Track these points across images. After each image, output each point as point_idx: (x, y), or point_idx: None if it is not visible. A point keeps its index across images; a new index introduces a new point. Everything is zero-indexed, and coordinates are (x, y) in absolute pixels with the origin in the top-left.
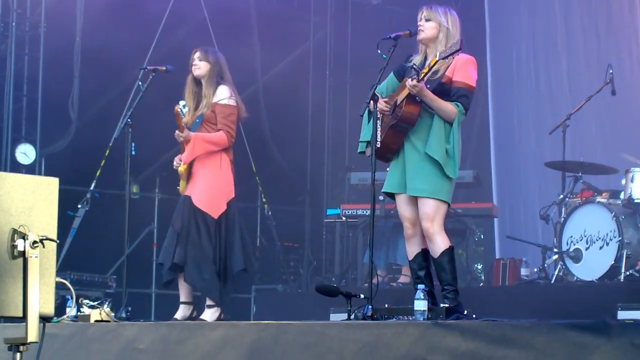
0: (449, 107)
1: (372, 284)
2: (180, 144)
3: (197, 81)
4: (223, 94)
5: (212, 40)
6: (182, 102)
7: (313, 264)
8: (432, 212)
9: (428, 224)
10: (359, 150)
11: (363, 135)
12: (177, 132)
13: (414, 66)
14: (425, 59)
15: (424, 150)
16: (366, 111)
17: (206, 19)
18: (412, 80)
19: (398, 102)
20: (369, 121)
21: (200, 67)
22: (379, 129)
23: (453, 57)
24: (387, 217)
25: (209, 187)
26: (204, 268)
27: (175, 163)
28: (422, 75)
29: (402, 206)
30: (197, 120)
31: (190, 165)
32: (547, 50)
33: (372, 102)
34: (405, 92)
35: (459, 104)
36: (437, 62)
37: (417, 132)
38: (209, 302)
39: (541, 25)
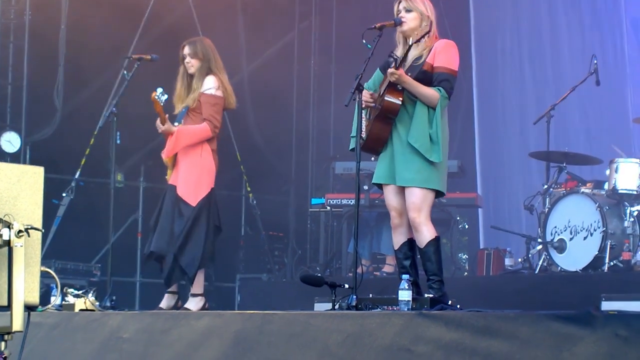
0: (430, 92)
1: (356, 273)
2: (163, 134)
3: (189, 74)
4: (209, 84)
5: (197, 29)
6: (159, 89)
7: (298, 253)
8: (419, 202)
9: (415, 214)
10: (350, 148)
11: (354, 131)
12: (157, 122)
13: (392, 54)
14: (409, 49)
15: (407, 138)
16: (357, 108)
17: (191, 7)
18: (391, 68)
19: (381, 92)
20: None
21: (192, 64)
22: (364, 121)
23: (427, 38)
24: (371, 207)
25: (189, 176)
26: (181, 254)
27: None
28: (399, 60)
29: (390, 196)
30: (184, 110)
31: (175, 154)
32: (531, 41)
33: (357, 92)
34: (386, 81)
35: (440, 88)
36: (410, 46)
37: (403, 121)
38: (193, 290)
39: (525, 15)
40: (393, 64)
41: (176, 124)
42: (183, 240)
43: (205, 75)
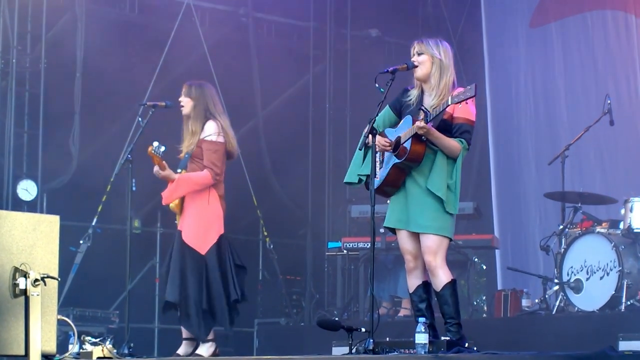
0: (454, 144)
1: (373, 317)
2: (165, 180)
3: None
4: (210, 130)
5: (212, 75)
6: (155, 143)
7: (315, 297)
8: (434, 246)
9: (430, 257)
10: (346, 180)
11: (356, 166)
12: (155, 168)
13: (423, 108)
14: (422, 92)
15: (425, 185)
16: (362, 144)
17: (206, 53)
18: (420, 121)
19: (402, 141)
20: (365, 155)
21: (184, 104)
22: (377, 164)
23: (465, 101)
24: (388, 250)
25: (197, 223)
26: (190, 307)
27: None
28: (431, 117)
29: (404, 240)
30: (187, 156)
31: (182, 200)
32: (545, 81)
33: (370, 135)
34: (410, 132)
35: (462, 140)
36: (447, 105)
37: (419, 168)
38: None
39: (539, 55)
40: (423, 118)
41: (179, 170)
42: (207, 292)
43: (204, 120)
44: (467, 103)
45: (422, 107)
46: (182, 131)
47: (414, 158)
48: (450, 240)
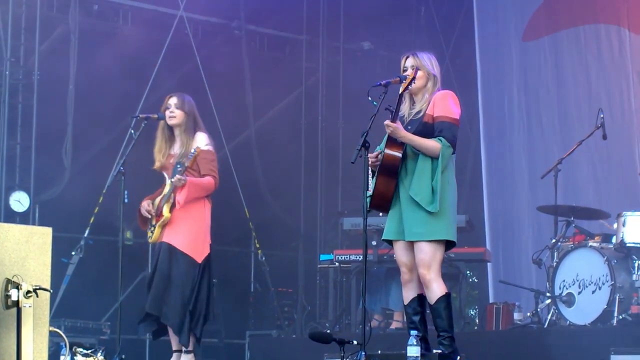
0: (430, 143)
1: (364, 330)
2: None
3: (170, 127)
4: (204, 140)
5: (204, 87)
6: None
7: (307, 309)
8: (428, 259)
9: (424, 270)
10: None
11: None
12: (178, 177)
13: (388, 107)
14: (400, 98)
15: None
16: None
17: (199, 65)
18: (387, 121)
19: (383, 149)
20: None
21: (176, 115)
22: (370, 180)
23: (427, 91)
24: (380, 262)
25: (195, 232)
26: (181, 313)
27: (145, 208)
28: (394, 113)
29: (400, 252)
30: (178, 166)
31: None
32: (538, 95)
33: (363, 149)
34: (385, 136)
35: (441, 138)
36: (401, 96)
37: (409, 176)
38: (187, 347)
39: (532, 69)
40: (389, 117)
41: (172, 180)
42: (194, 302)
43: (194, 132)
44: (447, 101)
45: (388, 107)
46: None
47: (390, 161)
48: (454, 244)
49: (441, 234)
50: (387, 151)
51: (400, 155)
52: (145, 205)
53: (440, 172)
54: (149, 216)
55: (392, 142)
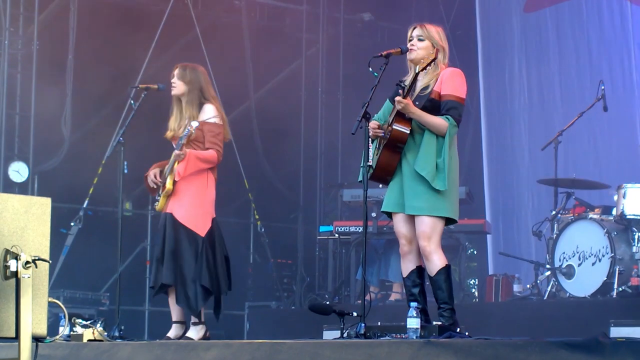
0: (439, 121)
1: (364, 301)
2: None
3: (179, 99)
4: (210, 113)
5: (204, 57)
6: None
7: (306, 280)
8: (429, 231)
9: (425, 242)
10: (359, 179)
11: (363, 162)
12: (176, 152)
13: (399, 83)
14: (416, 77)
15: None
16: (364, 135)
17: (198, 36)
18: (398, 97)
19: (390, 122)
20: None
21: (176, 85)
22: (371, 150)
23: (434, 68)
24: (379, 234)
25: (196, 205)
26: (189, 287)
27: (151, 178)
28: (407, 89)
29: (399, 224)
30: (185, 134)
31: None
32: (539, 66)
33: (363, 120)
34: (393, 111)
35: (449, 116)
36: (417, 74)
37: (411, 150)
38: (194, 319)
39: (533, 41)
40: (400, 93)
41: (176, 152)
42: (207, 270)
43: (199, 103)
44: (455, 80)
45: (399, 82)
46: (174, 109)
47: (398, 136)
48: (454, 221)
49: (443, 211)
50: (396, 126)
51: (408, 131)
52: (151, 175)
53: (447, 151)
54: (155, 186)
55: (401, 117)
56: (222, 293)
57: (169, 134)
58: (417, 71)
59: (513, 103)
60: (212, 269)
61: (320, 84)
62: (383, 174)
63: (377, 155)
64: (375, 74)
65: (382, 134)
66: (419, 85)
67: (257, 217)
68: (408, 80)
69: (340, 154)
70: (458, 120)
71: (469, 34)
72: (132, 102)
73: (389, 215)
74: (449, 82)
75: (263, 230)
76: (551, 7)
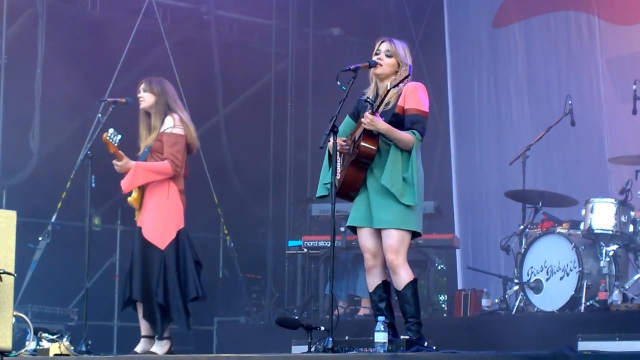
0: (406, 136)
1: (332, 315)
2: (123, 171)
3: (148, 113)
4: (169, 123)
5: (173, 72)
6: (110, 130)
7: (275, 295)
8: (397, 244)
9: (392, 255)
10: (318, 194)
11: (323, 177)
12: (114, 160)
13: (367, 99)
14: (377, 91)
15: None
16: (326, 154)
17: (167, 50)
18: (366, 113)
19: (356, 138)
20: (329, 164)
21: (144, 98)
22: (338, 165)
23: (404, 84)
24: (348, 249)
25: (156, 218)
26: (152, 301)
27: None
28: (376, 106)
29: (364, 238)
30: (146, 150)
31: (141, 196)
32: (508, 81)
33: (331, 134)
34: (361, 127)
35: (414, 131)
36: (388, 91)
37: (378, 165)
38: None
39: (502, 56)
40: (369, 109)
41: (114, 161)
42: (163, 287)
43: (164, 115)
44: (418, 94)
45: (367, 99)
46: (140, 126)
47: (366, 153)
48: (419, 234)
49: (411, 224)
50: (364, 144)
51: (375, 149)
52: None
53: (414, 165)
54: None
55: (369, 135)
56: (187, 299)
57: (139, 153)
58: (388, 88)
59: (482, 118)
60: (173, 281)
61: (290, 98)
62: (348, 190)
63: (342, 171)
64: (344, 87)
65: (348, 150)
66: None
67: (226, 231)
68: (371, 91)
69: (309, 168)
70: (423, 134)
71: (438, 50)
72: (100, 116)
73: (354, 230)
74: (412, 97)
75: (232, 245)
76: (520, 22)
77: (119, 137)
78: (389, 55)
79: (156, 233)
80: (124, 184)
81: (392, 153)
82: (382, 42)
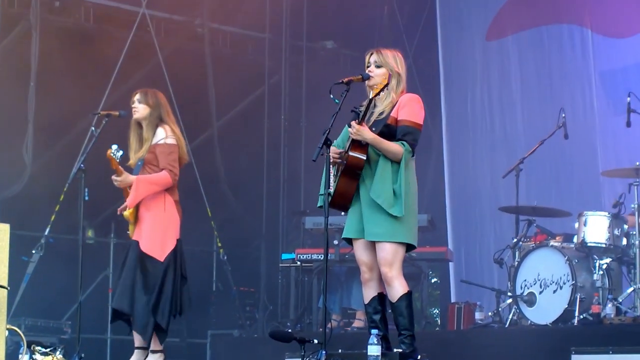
0: (394, 147)
1: (325, 329)
2: (123, 189)
3: (140, 124)
4: (161, 134)
5: (166, 85)
6: (114, 146)
7: (269, 308)
8: (390, 257)
9: (386, 268)
10: (318, 205)
11: (322, 189)
12: (113, 176)
13: (354, 108)
14: (370, 103)
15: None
16: (325, 161)
17: (161, 63)
18: (353, 122)
19: (346, 148)
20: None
21: (139, 110)
22: (331, 177)
23: (386, 91)
24: (341, 262)
25: (156, 230)
26: (143, 313)
27: (119, 209)
28: (362, 116)
29: (359, 251)
30: (139, 163)
31: (136, 209)
32: (501, 94)
33: (324, 147)
34: (349, 138)
35: (404, 142)
36: (371, 100)
37: (369, 176)
38: (153, 347)
39: (495, 69)
40: (356, 119)
41: (113, 177)
42: (157, 297)
43: (156, 126)
44: (412, 106)
45: (353, 108)
46: (130, 138)
47: (354, 162)
48: (414, 247)
49: (402, 237)
50: (352, 153)
51: (364, 158)
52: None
53: (403, 176)
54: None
55: (357, 144)
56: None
57: (130, 162)
58: (370, 97)
59: (475, 131)
60: (170, 293)
61: (283, 111)
62: (341, 200)
63: (335, 182)
64: (337, 100)
65: (340, 161)
66: (377, 110)
67: (219, 244)
68: (365, 104)
69: (302, 181)
70: (413, 145)
71: (431, 62)
72: (93, 129)
73: (350, 242)
74: (406, 108)
75: (226, 258)
76: (513, 35)
77: (121, 153)
78: (378, 66)
79: (155, 246)
80: (129, 200)
81: (381, 164)
82: (371, 53)
